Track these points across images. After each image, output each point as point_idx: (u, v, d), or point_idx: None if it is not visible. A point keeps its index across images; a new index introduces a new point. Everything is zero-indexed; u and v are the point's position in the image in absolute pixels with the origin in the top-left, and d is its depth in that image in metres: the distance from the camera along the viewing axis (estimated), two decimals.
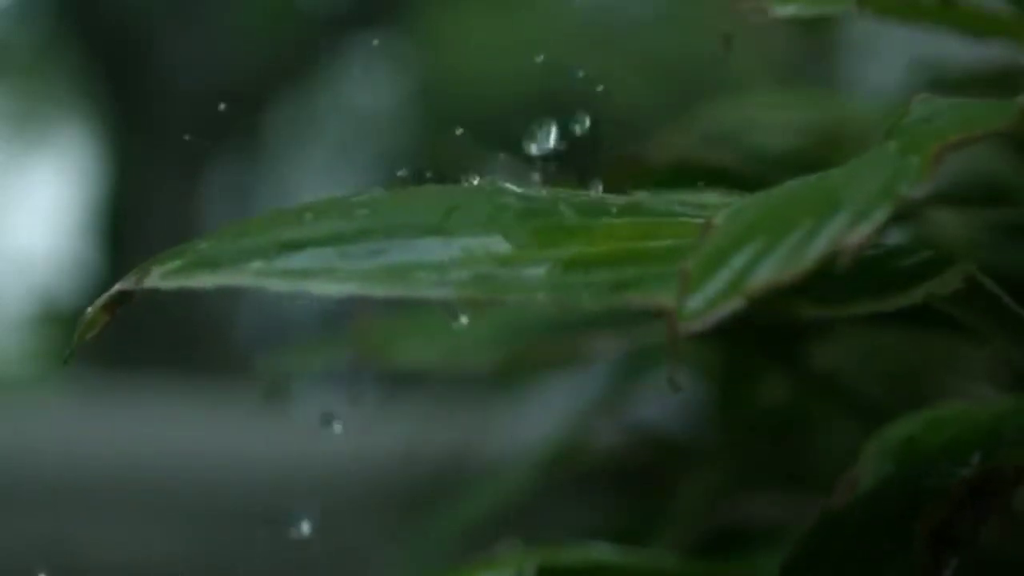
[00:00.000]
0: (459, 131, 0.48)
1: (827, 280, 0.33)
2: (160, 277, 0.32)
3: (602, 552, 0.47)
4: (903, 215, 0.50)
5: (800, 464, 0.65)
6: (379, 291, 0.31)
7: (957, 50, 0.50)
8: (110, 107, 4.75)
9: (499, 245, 0.32)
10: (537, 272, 0.32)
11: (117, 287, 0.33)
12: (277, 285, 0.31)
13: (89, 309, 0.33)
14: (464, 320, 0.36)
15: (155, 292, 0.33)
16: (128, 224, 4.56)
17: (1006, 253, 0.52)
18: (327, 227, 0.32)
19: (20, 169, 4.82)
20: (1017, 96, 0.35)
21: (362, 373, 0.79)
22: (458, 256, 0.31)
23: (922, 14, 0.45)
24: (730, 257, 0.31)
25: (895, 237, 0.51)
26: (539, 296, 0.31)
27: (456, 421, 0.85)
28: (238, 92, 4.52)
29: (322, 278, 0.31)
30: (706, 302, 0.30)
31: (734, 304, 0.30)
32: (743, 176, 0.42)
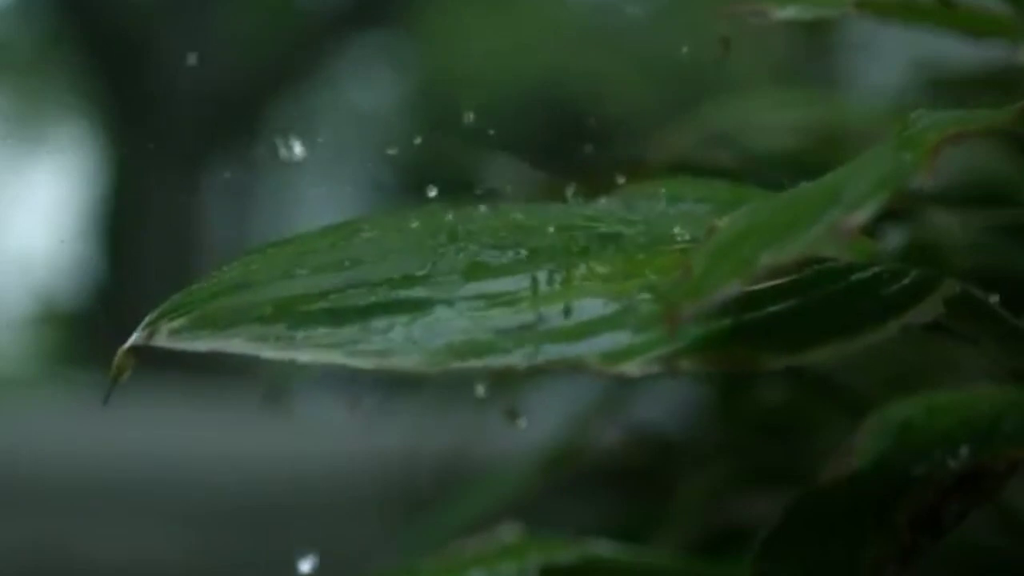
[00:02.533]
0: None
1: (809, 313, 0.33)
2: (168, 335, 0.34)
3: (601, 549, 0.47)
4: (903, 215, 0.50)
5: (800, 464, 0.65)
6: (367, 365, 0.33)
7: (957, 50, 0.50)
8: (110, 107, 4.76)
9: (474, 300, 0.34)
10: (511, 338, 0.32)
11: (130, 343, 0.35)
12: (271, 353, 0.33)
13: (110, 373, 0.35)
14: None
15: (155, 292, 0.34)
16: (128, 224, 4.57)
17: (1006, 253, 0.52)
18: (317, 284, 0.35)
19: (20, 169, 4.82)
20: (1016, 98, 0.35)
21: (362, 374, 0.79)
22: (438, 319, 0.33)
23: (922, 14, 0.45)
24: (732, 250, 0.31)
25: (896, 238, 0.51)
26: (515, 360, 0.32)
27: (456, 422, 0.85)
28: (238, 93, 4.52)
29: (309, 350, 0.33)
30: (707, 286, 0.30)
31: (733, 288, 0.30)
32: (743, 176, 0.42)
